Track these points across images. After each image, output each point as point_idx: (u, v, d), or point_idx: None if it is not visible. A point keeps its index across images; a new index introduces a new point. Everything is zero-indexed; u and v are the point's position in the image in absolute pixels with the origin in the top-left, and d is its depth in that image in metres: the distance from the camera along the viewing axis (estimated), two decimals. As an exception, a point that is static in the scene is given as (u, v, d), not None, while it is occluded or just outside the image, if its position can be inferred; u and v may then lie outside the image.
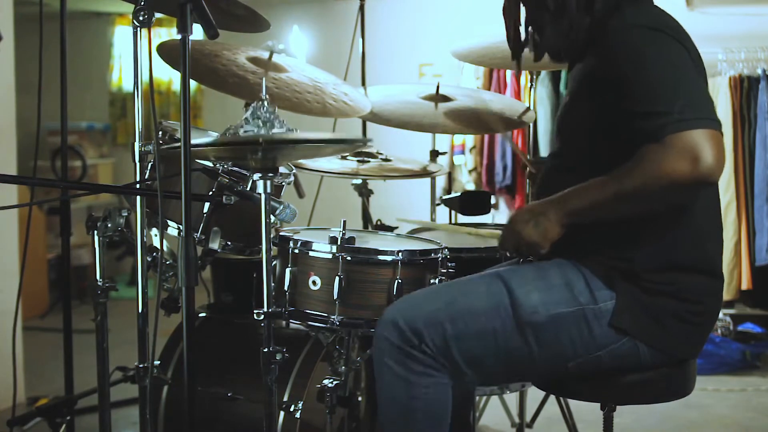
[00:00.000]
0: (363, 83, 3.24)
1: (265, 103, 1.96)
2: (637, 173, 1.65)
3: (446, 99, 2.83)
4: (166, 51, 2.32)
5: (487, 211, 2.95)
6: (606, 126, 1.77)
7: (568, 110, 1.91)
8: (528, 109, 2.90)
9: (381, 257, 1.99)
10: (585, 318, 1.78)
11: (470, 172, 5.32)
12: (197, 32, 1.66)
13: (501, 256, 2.30)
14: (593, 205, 1.74)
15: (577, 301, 1.78)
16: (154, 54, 2.26)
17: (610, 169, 1.72)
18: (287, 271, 2.00)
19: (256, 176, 1.90)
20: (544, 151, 4.91)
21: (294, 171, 2.34)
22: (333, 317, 1.97)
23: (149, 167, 2.15)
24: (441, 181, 5.12)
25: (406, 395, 1.79)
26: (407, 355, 1.78)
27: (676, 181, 1.61)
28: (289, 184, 2.25)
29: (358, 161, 2.75)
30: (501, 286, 1.81)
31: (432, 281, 2.02)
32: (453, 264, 2.10)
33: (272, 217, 1.95)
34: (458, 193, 2.95)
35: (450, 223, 3.30)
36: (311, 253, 2.00)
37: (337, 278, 1.95)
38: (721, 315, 4.39)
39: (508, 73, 5.05)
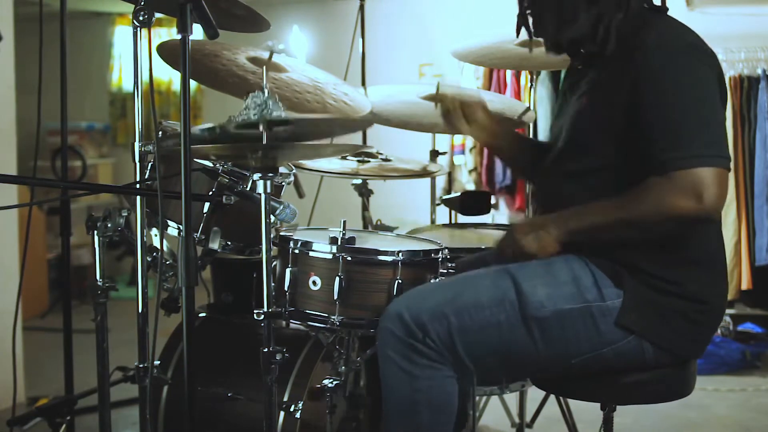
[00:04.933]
0: (363, 83, 3.24)
1: (265, 91, 1.96)
2: (640, 204, 1.70)
3: (446, 99, 2.83)
4: (166, 51, 2.32)
5: (487, 211, 2.96)
6: (625, 134, 1.77)
7: (584, 114, 1.88)
8: (528, 109, 2.90)
9: (381, 257, 1.99)
10: (591, 315, 1.78)
11: (470, 172, 5.32)
12: (197, 32, 1.66)
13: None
14: (593, 228, 1.77)
15: (584, 298, 1.78)
16: (154, 54, 2.26)
17: (624, 174, 1.74)
18: (287, 271, 2.00)
19: (256, 176, 1.90)
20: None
21: (294, 171, 2.33)
22: (333, 317, 1.97)
23: (149, 167, 2.15)
24: (441, 181, 5.11)
25: (410, 388, 1.79)
26: (411, 348, 1.78)
27: (678, 216, 1.66)
28: (289, 184, 2.25)
29: (358, 161, 2.75)
30: (508, 279, 1.81)
31: (432, 281, 2.02)
32: (453, 264, 2.10)
33: (272, 217, 1.95)
34: (458, 193, 2.96)
35: (450, 223, 3.30)
36: (311, 253, 2.00)
37: (337, 278, 1.95)
38: (723, 315, 4.37)
39: (508, 73, 5.05)
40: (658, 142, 1.69)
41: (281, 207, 2.00)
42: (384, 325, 1.82)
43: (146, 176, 2.14)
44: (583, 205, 1.79)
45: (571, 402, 2.88)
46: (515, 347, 1.80)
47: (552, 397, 3.03)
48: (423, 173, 2.88)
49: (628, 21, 1.82)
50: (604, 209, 1.75)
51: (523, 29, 1.98)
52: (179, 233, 2.12)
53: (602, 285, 1.79)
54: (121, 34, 6.64)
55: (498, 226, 2.99)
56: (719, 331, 4.40)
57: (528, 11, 1.95)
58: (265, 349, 1.90)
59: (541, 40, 1.97)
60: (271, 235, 1.94)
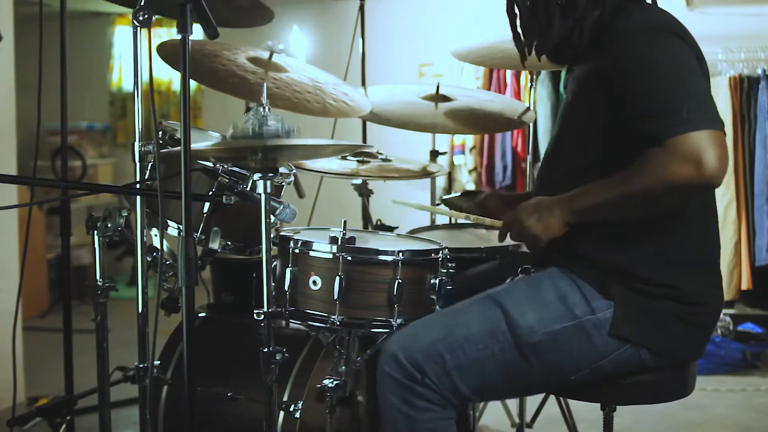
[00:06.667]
0: (363, 83, 3.24)
1: (266, 107, 1.96)
2: (641, 177, 1.65)
3: (446, 99, 2.83)
4: (166, 51, 2.32)
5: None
6: (611, 126, 1.75)
7: (570, 110, 1.89)
8: (528, 109, 2.90)
9: (381, 257, 1.99)
10: (584, 330, 1.77)
11: (470, 172, 5.32)
12: (197, 32, 1.66)
13: (500, 258, 2.30)
14: (598, 206, 1.74)
15: (574, 314, 1.77)
16: (154, 54, 2.26)
17: (615, 167, 1.72)
18: (288, 270, 2.00)
19: (256, 176, 1.90)
20: (544, 150, 4.91)
21: (294, 171, 2.33)
22: (333, 317, 1.96)
23: (149, 167, 2.15)
24: (441, 181, 5.12)
25: (409, 431, 1.79)
26: (410, 390, 1.78)
27: (680, 185, 1.61)
28: (289, 184, 2.25)
29: (358, 161, 2.75)
30: (496, 309, 1.81)
31: (432, 281, 2.02)
32: (453, 264, 2.09)
33: (272, 217, 1.95)
34: (458, 193, 2.95)
35: (450, 222, 3.30)
36: (312, 253, 2.00)
37: (337, 278, 1.95)
38: (720, 315, 4.37)
39: (508, 73, 5.05)
40: (645, 118, 1.66)
41: (281, 207, 2.00)
42: (382, 367, 1.81)
43: (146, 176, 2.14)
44: (586, 185, 1.76)
45: (571, 402, 2.88)
46: (513, 374, 1.80)
47: (552, 397, 3.02)
48: (423, 173, 2.88)
49: (604, 15, 1.81)
50: (607, 186, 1.72)
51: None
52: (179, 233, 2.11)
53: (590, 298, 1.78)
54: (121, 34, 6.63)
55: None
56: (719, 331, 4.42)
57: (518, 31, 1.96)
58: (265, 349, 1.90)
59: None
60: (271, 235, 1.94)
